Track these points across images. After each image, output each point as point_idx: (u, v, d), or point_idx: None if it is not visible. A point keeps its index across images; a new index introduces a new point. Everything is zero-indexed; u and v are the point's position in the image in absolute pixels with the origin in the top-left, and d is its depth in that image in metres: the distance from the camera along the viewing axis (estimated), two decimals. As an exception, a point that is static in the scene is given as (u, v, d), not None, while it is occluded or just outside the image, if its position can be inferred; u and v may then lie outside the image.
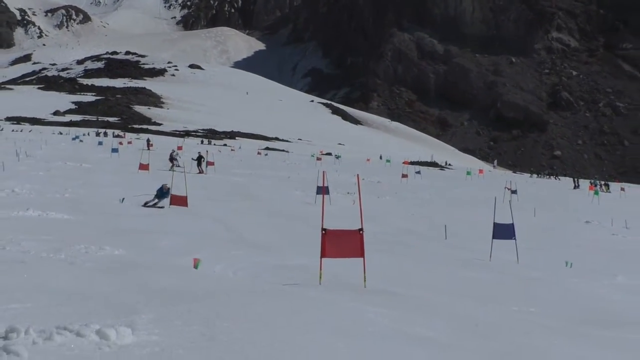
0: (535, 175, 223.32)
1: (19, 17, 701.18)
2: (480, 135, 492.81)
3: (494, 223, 39.26)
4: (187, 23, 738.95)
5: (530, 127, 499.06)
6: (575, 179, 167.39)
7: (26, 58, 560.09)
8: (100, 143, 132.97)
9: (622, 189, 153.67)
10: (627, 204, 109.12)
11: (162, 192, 48.22)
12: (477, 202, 72.42)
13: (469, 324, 19.55)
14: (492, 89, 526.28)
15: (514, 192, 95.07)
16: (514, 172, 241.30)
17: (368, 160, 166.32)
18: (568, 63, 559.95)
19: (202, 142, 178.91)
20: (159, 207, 46.46)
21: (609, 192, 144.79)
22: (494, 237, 38.57)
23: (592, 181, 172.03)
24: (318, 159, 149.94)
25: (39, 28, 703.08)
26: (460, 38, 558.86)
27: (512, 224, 39.26)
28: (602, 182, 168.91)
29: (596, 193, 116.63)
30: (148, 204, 47.08)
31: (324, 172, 57.29)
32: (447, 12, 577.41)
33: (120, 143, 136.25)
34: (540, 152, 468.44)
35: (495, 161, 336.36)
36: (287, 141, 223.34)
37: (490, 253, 37.17)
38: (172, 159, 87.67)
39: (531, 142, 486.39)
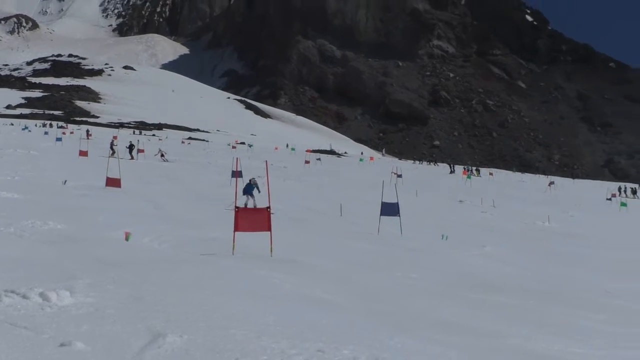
0: (417, 162, 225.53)
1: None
2: (371, 128, 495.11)
3: (382, 202, 39.51)
4: (122, 30, 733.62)
5: (413, 121, 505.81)
6: (451, 165, 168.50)
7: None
8: (46, 133, 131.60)
9: (491, 174, 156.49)
10: (495, 186, 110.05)
11: (250, 186, 45.18)
12: (368, 184, 72.41)
13: (360, 287, 19.62)
14: (382, 88, 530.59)
15: (399, 176, 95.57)
16: (400, 159, 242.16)
17: (276, 148, 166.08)
18: (446, 67, 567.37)
19: (134, 132, 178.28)
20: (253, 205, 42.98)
21: (480, 176, 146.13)
22: (381, 214, 38.90)
23: (465, 167, 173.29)
24: (233, 147, 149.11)
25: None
26: (355, 44, 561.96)
27: (397, 203, 39.57)
28: (474, 168, 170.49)
29: (469, 177, 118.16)
30: (246, 205, 42.82)
31: (237, 158, 57.15)
32: (344, 22, 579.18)
33: (64, 133, 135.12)
34: (422, 142, 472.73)
35: (384, 150, 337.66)
36: (207, 132, 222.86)
37: (378, 227, 37.27)
38: (111, 146, 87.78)
39: (414, 134, 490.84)
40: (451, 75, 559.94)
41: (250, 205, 42.55)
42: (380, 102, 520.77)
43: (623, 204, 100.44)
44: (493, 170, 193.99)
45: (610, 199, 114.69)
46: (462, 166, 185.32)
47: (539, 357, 13.64)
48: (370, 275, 23.20)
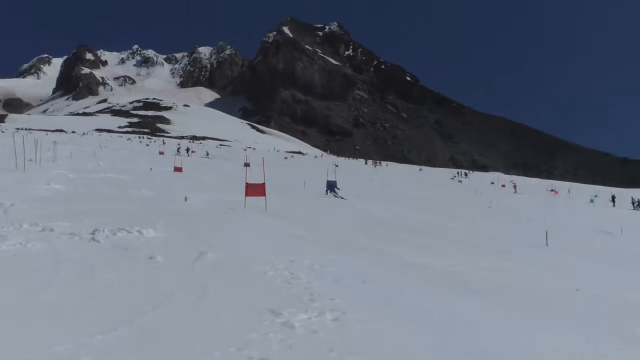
0: (346, 158, 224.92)
1: (101, 82, 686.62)
2: (321, 139, 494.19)
3: (327, 180, 39.34)
4: (182, 84, 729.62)
5: (344, 135, 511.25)
6: (365, 160, 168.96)
7: (104, 101, 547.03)
8: (140, 142, 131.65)
9: (387, 165, 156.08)
10: (390, 172, 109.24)
11: (333, 183, 39.95)
12: (319, 171, 71.83)
13: (314, 226, 19.59)
14: (327, 117, 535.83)
15: (336, 166, 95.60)
16: (337, 157, 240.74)
17: (268, 150, 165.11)
18: (363, 105, 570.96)
19: (189, 141, 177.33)
20: (340, 197, 38.39)
21: (381, 166, 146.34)
22: (327, 186, 38.79)
23: (374, 161, 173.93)
24: (244, 149, 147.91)
25: (110, 86, 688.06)
26: (312, 93, 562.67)
27: (335, 181, 39.52)
28: (379, 162, 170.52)
29: (375, 167, 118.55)
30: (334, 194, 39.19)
31: (247, 156, 56.50)
32: (306, 80, 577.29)
33: (150, 142, 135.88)
34: (349, 147, 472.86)
35: (328, 151, 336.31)
36: (229, 141, 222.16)
37: (326, 192, 37.20)
38: (177, 149, 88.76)
39: (345, 143, 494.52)
40: (365, 110, 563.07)
41: (339, 194, 38.11)
42: (326, 125, 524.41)
43: (460, 181, 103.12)
44: (389, 162, 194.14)
45: (452, 178, 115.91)
46: (372, 160, 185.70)
47: (416, 265, 13.67)
48: (320, 219, 22.86)
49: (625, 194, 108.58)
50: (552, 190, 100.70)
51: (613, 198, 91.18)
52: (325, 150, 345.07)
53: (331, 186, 40.50)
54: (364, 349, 6.49)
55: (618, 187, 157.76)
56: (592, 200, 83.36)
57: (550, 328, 8.78)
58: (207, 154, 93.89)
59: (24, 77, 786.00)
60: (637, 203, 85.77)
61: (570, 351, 7.56)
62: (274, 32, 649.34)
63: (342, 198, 36.41)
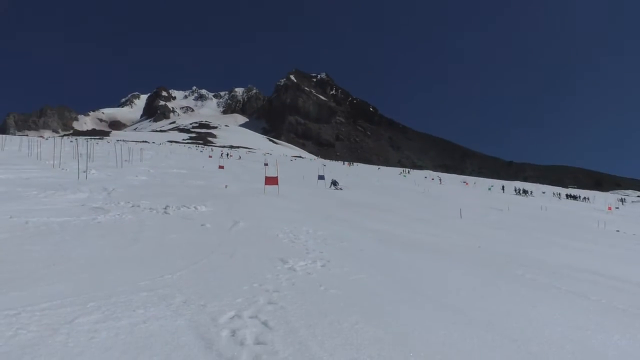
0: (332, 161, 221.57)
1: (171, 110, 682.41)
2: (315, 149, 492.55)
3: (318, 175, 39.14)
4: (225, 112, 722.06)
5: (328, 147, 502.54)
6: (344, 162, 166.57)
7: (173, 122, 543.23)
8: (196, 149, 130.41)
9: (357, 165, 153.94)
10: (359, 170, 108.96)
11: (334, 182, 34.90)
12: (313, 169, 71.80)
13: (308, 205, 19.50)
14: (319, 134, 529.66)
15: (324, 165, 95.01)
16: (324, 159, 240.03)
17: (280, 155, 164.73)
18: (342, 127, 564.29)
19: (228, 148, 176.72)
20: (339, 188, 33.90)
21: (353, 166, 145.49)
22: (318, 178, 38.36)
23: (349, 162, 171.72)
24: (264, 154, 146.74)
25: (178, 113, 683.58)
26: (308, 118, 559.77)
27: (324, 175, 39.21)
28: (352, 163, 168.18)
29: (350, 166, 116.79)
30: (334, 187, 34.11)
31: (266, 158, 55.91)
32: (305, 110, 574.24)
33: (203, 149, 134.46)
34: (333, 154, 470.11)
35: (319, 156, 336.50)
36: (254, 149, 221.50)
37: (316, 183, 36.92)
38: (221, 154, 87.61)
39: (330, 151, 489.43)
40: (343, 129, 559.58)
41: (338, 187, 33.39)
42: (317, 139, 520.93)
43: (404, 176, 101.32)
44: (359, 164, 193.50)
45: (399, 174, 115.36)
46: (347, 162, 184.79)
47: (376, 230, 13.66)
48: (313, 200, 22.60)
49: (510, 185, 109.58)
50: (464, 182, 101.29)
51: (503, 187, 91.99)
52: (317, 156, 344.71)
53: (321, 178, 40.17)
54: (341, 284, 6.54)
55: (506, 180, 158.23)
56: (489, 189, 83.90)
57: (459, 270, 8.85)
58: (239, 157, 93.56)
59: (122, 107, 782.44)
60: (518, 190, 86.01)
61: (472, 285, 7.60)
62: (284, 78, 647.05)
63: (341, 189, 33.94)
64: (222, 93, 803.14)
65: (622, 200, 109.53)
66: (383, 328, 4.81)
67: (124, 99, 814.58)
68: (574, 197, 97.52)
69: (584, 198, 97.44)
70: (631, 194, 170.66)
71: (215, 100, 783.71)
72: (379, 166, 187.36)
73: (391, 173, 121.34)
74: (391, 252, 9.80)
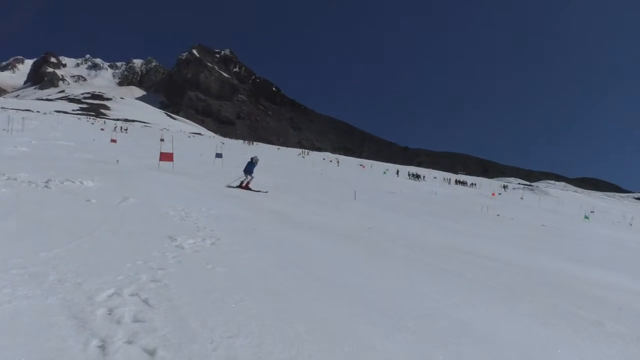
0: (231, 139, 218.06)
1: (61, 78, 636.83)
2: (214, 126, 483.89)
3: (216, 153, 38.13)
4: (120, 83, 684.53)
5: (229, 124, 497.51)
6: (244, 141, 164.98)
7: (62, 92, 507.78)
8: (87, 120, 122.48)
9: (257, 144, 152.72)
10: (260, 149, 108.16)
11: (251, 164, 20.30)
12: (211, 146, 70.34)
13: (207, 182, 19.12)
14: (219, 111, 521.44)
15: (223, 143, 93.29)
16: (224, 137, 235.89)
17: (177, 132, 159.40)
18: (243, 105, 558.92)
19: (123, 123, 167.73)
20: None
21: (253, 145, 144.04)
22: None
23: (249, 141, 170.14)
24: (160, 130, 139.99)
25: (68, 82, 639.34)
26: (210, 94, 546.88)
27: (221, 153, 38.30)
28: (252, 142, 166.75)
29: (250, 145, 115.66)
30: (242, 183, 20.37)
31: (162, 134, 53.88)
32: (206, 86, 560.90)
33: (95, 121, 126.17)
34: (233, 132, 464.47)
35: (218, 133, 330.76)
36: (151, 124, 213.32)
37: (214, 161, 36.11)
38: (115, 128, 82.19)
39: (230, 129, 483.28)
40: (245, 108, 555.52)
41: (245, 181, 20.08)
42: (218, 117, 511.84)
43: (303, 157, 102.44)
44: (258, 143, 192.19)
45: (299, 155, 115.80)
46: (247, 141, 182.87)
47: (271, 210, 13.69)
48: (208, 177, 22.07)
49: (404, 169, 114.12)
50: (360, 165, 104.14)
51: (397, 171, 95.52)
52: (216, 133, 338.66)
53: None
54: (230, 262, 6.47)
55: (401, 165, 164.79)
56: (384, 173, 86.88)
57: (348, 250, 9.15)
58: (132, 131, 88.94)
59: (2, 71, 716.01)
60: (412, 175, 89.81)
61: (359, 264, 7.88)
62: (187, 52, 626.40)
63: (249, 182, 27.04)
64: (118, 64, 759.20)
65: (505, 187, 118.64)
66: (267, 305, 4.85)
67: (4, 63, 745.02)
68: (463, 183, 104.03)
69: (472, 184, 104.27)
70: (513, 182, 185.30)
71: (110, 71, 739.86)
72: (279, 147, 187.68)
73: (290, 154, 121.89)
74: (283, 232, 9.89)
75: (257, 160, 20.90)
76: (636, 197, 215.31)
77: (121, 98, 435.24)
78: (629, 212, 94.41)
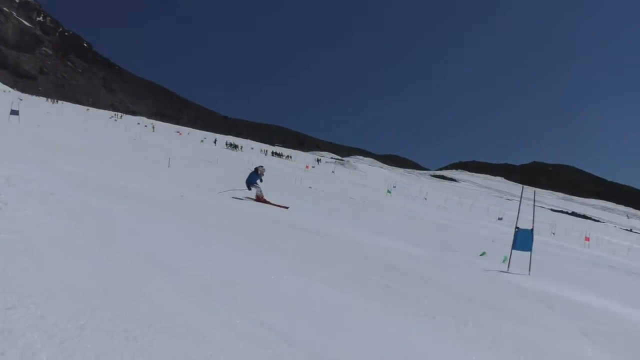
0: (32, 96, 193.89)
1: None
2: (10, 80, 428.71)
3: (11, 109, 33.95)
4: None
5: (31, 79, 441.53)
6: (47, 99, 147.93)
7: None
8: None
9: (62, 103, 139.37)
10: (63, 108, 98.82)
11: (255, 176, 16.57)
12: (5, 101, 62.37)
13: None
14: (17, 64, 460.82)
15: (21, 100, 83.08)
16: (22, 93, 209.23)
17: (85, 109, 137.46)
18: (48, 59, 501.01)
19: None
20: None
21: (57, 103, 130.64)
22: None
23: (53, 100, 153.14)
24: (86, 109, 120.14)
25: None
26: (6, 44, 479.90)
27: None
28: (57, 101, 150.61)
29: (53, 104, 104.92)
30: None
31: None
32: (4, 33, 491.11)
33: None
34: (34, 88, 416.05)
35: (15, 88, 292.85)
36: None
37: (9, 118, 32.17)
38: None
39: (31, 84, 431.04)
40: (49, 63, 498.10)
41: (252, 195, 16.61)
42: (16, 69, 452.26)
43: (115, 120, 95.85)
44: (64, 102, 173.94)
45: (110, 118, 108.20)
46: (52, 100, 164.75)
47: (71, 172, 12.68)
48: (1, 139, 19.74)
49: (223, 139, 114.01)
50: (177, 132, 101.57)
51: (215, 140, 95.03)
52: (13, 88, 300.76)
53: (15, 113, 34.45)
54: (18, 228, 5.77)
55: (219, 134, 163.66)
56: (202, 141, 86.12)
57: (159, 218, 8.97)
58: None
59: None
60: (229, 145, 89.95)
61: (169, 234, 7.74)
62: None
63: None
64: None
65: (318, 161, 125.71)
66: (58, 274, 4.51)
67: None
68: (279, 155, 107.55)
69: (287, 156, 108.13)
70: (326, 156, 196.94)
71: None
72: (89, 107, 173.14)
73: (102, 116, 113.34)
74: (87, 198, 9.20)
75: (262, 172, 16.62)
76: (431, 174, 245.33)
77: None
78: (425, 188, 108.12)
